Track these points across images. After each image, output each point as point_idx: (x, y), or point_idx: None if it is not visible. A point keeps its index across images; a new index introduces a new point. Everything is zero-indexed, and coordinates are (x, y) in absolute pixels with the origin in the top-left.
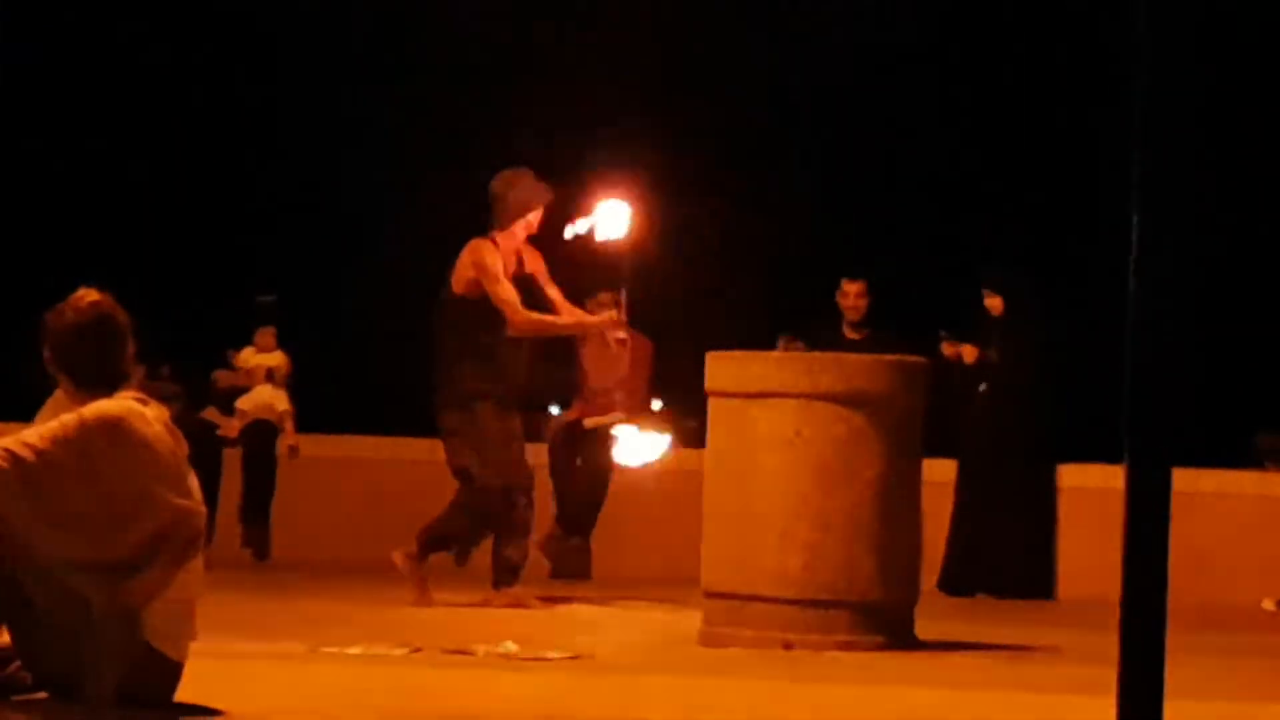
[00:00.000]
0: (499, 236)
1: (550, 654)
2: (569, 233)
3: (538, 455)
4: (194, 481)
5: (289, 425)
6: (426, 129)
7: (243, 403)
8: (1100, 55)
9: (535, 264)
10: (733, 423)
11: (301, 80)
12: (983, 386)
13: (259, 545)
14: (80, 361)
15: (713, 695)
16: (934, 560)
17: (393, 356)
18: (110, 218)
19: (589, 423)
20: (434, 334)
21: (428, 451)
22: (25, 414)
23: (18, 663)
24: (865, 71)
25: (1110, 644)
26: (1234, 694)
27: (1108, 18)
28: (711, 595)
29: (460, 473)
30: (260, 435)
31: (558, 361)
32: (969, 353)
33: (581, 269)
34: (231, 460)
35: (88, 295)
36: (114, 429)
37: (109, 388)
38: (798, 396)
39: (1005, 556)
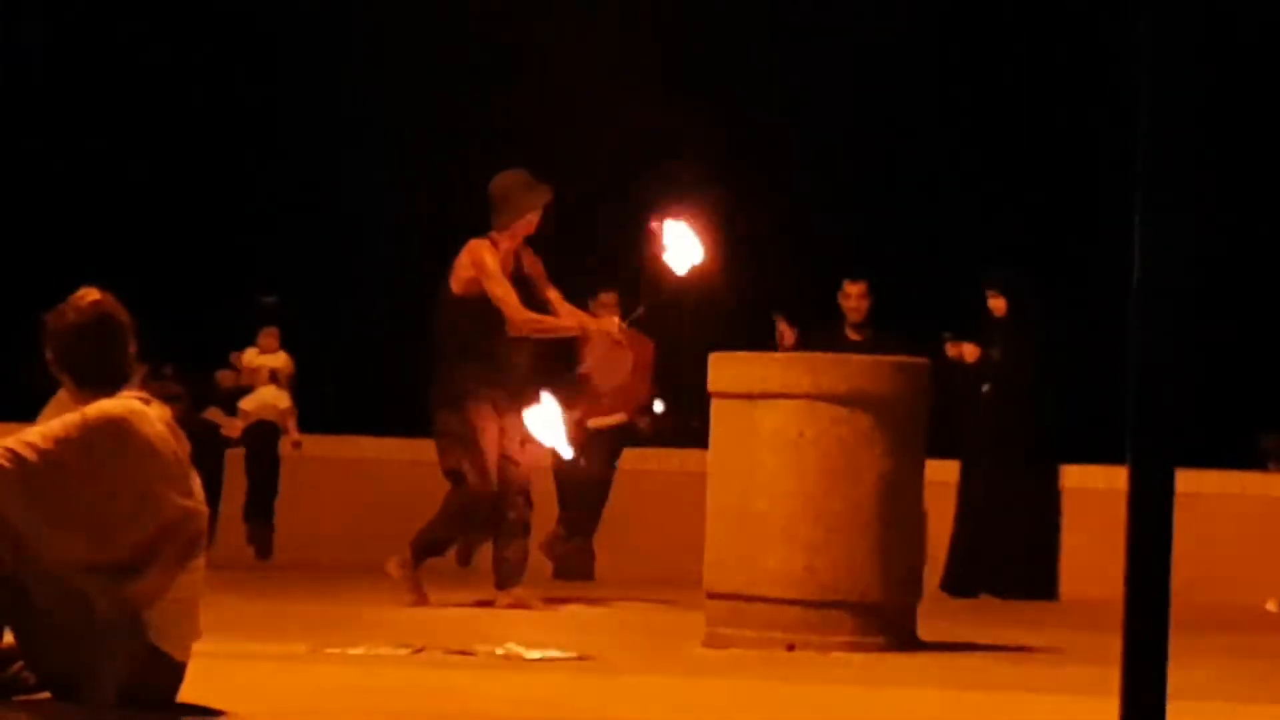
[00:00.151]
0: (498, 237)
1: (553, 654)
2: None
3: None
4: (196, 481)
5: (291, 423)
6: (427, 129)
7: (246, 403)
8: (1101, 55)
9: (533, 265)
10: (735, 423)
11: (302, 80)
12: (985, 387)
13: (261, 545)
14: (82, 361)
15: (715, 696)
16: (937, 561)
17: (395, 357)
18: (112, 218)
19: (592, 424)
20: (432, 334)
21: (430, 452)
22: (28, 414)
23: (20, 663)
24: (866, 71)
25: (1113, 645)
26: (1237, 695)
27: (1109, 17)
28: (714, 596)
29: (451, 474)
30: (263, 435)
31: (563, 362)
32: (970, 352)
33: (580, 269)
34: (234, 461)
35: (89, 295)
36: (116, 429)
37: (111, 387)
38: (800, 397)
39: (1008, 557)
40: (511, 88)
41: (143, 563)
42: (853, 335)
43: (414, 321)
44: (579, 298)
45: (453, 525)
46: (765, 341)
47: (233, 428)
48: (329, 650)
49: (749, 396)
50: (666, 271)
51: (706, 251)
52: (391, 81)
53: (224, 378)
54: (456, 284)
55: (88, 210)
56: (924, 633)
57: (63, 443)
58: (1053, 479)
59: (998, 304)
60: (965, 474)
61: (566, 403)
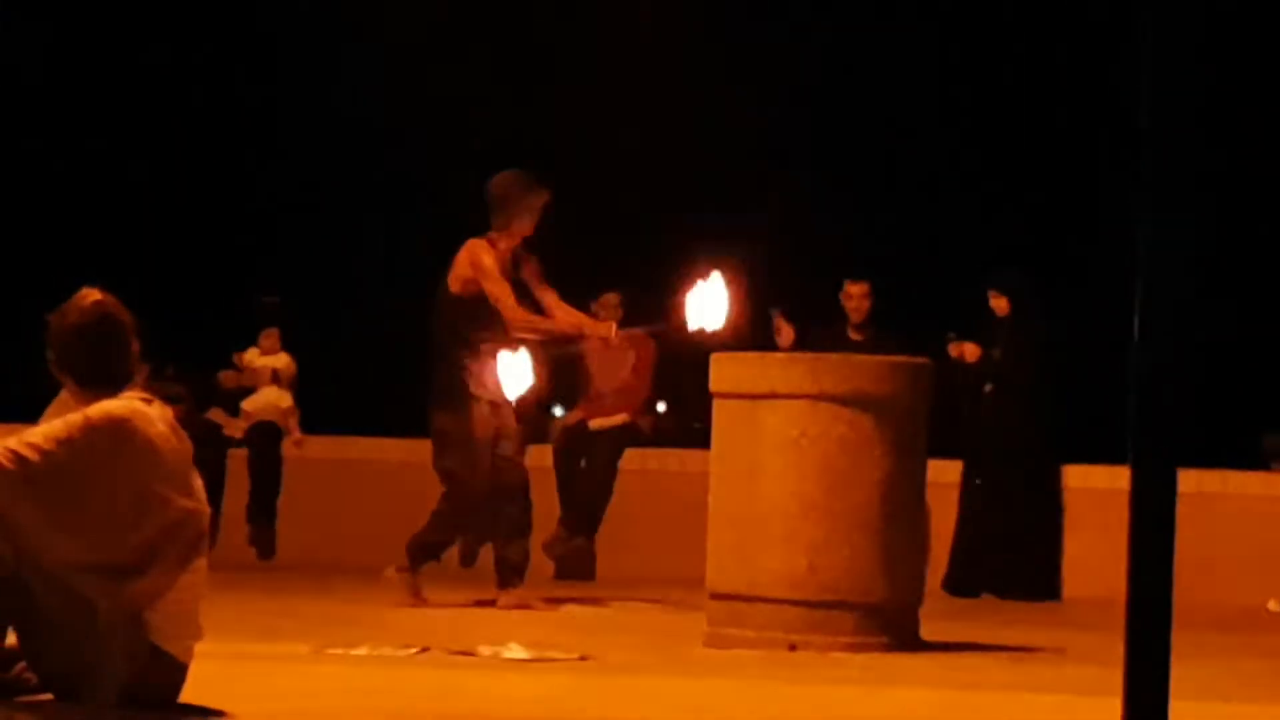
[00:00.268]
0: (496, 237)
1: (555, 655)
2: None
3: (542, 457)
4: (198, 482)
5: (293, 423)
6: (429, 129)
7: (248, 404)
8: (1102, 55)
9: (531, 265)
10: (738, 424)
11: (303, 81)
12: (987, 387)
13: (264, 546)
14: (83, 362)
15: (717, 696)
16: (939, 561)
17: (397, 358)
18: (114, 218)
19: (594, 424)
20: (430, 333)
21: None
22: (31, 414)
23: (23, 664)
24: (868, 71)
25: (1115, 645)
26: (1240, 695)
27: (1109, 18)
28: (716, 596)
29: (444, 474)
30: (265, 436)
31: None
32: (971, 351)
33: (577, 270)
34: (237, 461)
35: (90, 295)
36: (118, 429)
37: (113, 388)
38: (803, 398)
39: (1010, 557)
40: (513, 88)
41: (144, 563)
42: (854, 335)
43: (415, 322)
44: (581, 298)
45: (446, 528)
46: (765, 340)
47: (235, 428)
48: (331, 651)
49: (751, 397)
50: (698, 329)
51: (735, 309)
52: (394, 83)
53: (226, 378)
54: (454, 283)
55: (90, 211)
56: (926, 633)
57: (65, 443)
58: (1055, 479)
59: (999, 304)
60: (967, 474)
61: (569, 404)
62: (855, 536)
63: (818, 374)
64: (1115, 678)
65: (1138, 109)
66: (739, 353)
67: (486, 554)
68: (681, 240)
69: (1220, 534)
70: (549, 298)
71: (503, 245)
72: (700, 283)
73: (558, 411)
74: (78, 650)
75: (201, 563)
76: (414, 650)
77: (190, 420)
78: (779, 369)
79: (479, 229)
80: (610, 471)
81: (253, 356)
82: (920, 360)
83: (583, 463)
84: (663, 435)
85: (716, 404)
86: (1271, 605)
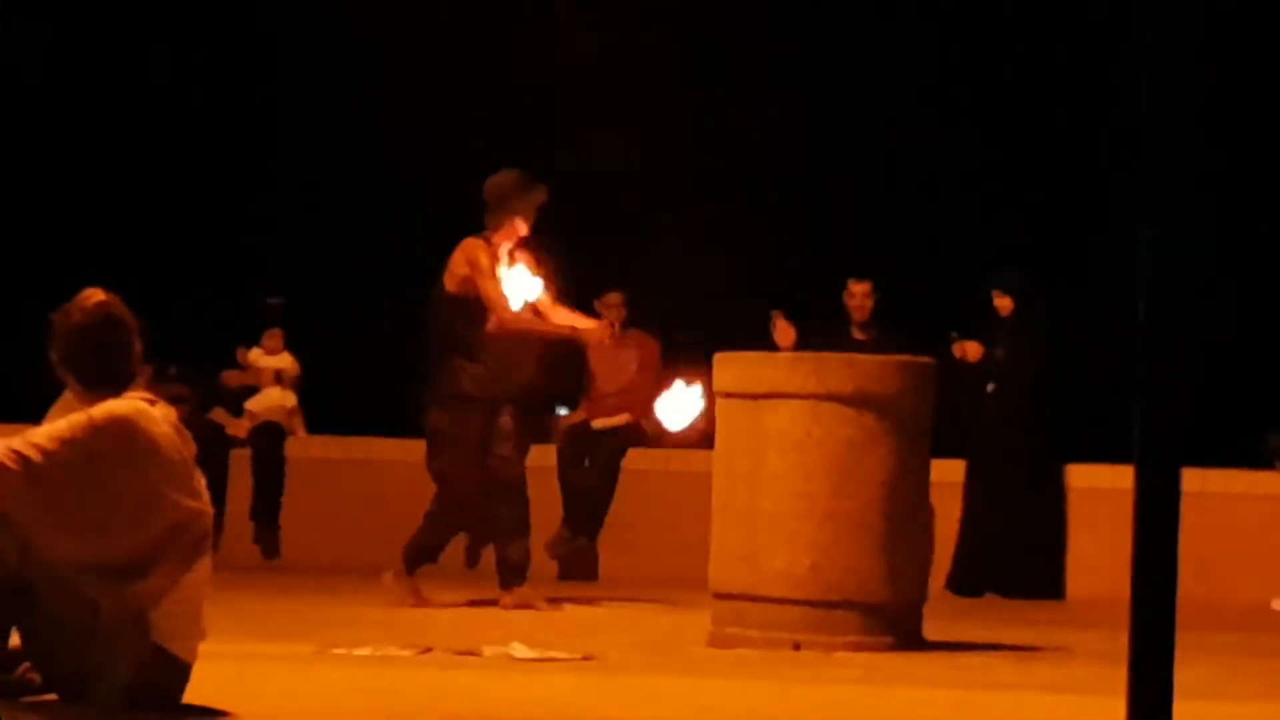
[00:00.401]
0: (492, 236)
1: (558, 655)
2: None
3: (545, 456)
4: (201, 482)
5: (297, 422)
6: (431, 129)
7: (251, 404)
8: (1103, 55)
9: (527, 265)
10: (741, 423)
11: (306, 82)
12: (991, 386)
13: (268, 546)
14: (87, 362)
15: (721, 696)
16: (943, 560)
17: (400, 358)
18: (117, 218)
19: (597, 424)
20: (427, 332)
21: None
22: (35, 414)
23: (26, 664)
24: (872, 72)
25: (1120, 644)
26: (1244, 694)
27: (1111, 17)
28: (720, 596)
29: (437, 475)
30: (269, 436)
31: (565, 363)
32: (973, 351)
33: (574, 271)
34: (240, 462)
35: (94, 295)
36: (122, 430)
37: (116, 388)
38: (806, 397)
39: (1014, 557)
40: (513, 88)
41: (148, 563)
42: (858, 335)
43: (418, 322)
44: (585, 298)
45: (439, 529)
46: (766, 340)
47: (238, 428)
48: (335, 651)
49: (754, 396)
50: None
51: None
52: (393, 82)
53: (229, 377)
54: (451, 282)
55: (93, 211)
56: (929, 632)
57: (68, 443)
58: (1058, 478)
59: (1003, 303)
60: (971, 473)
61: (571, 403)
62: (859, 536)
63: (821, 374)
64: (1119, 677)
65: (1138, 109)
66: (743, 352)
67: (490, 554)
68: (682, 240)
69: (1224, 533)
70: (544, 298)
71: (499, 244)
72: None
73: (561, 411)
74: (81, 650)
75: (205, 563)
76: (417, 650)
77: (193, 421)
78: (782, 369)
79: (480, 228)
80: (613, 471)
81: (257, 356)
82: (924, 360)
83: (586, 463)
84: (665, 435)
85: (720, 404)
86: (1275, 604)
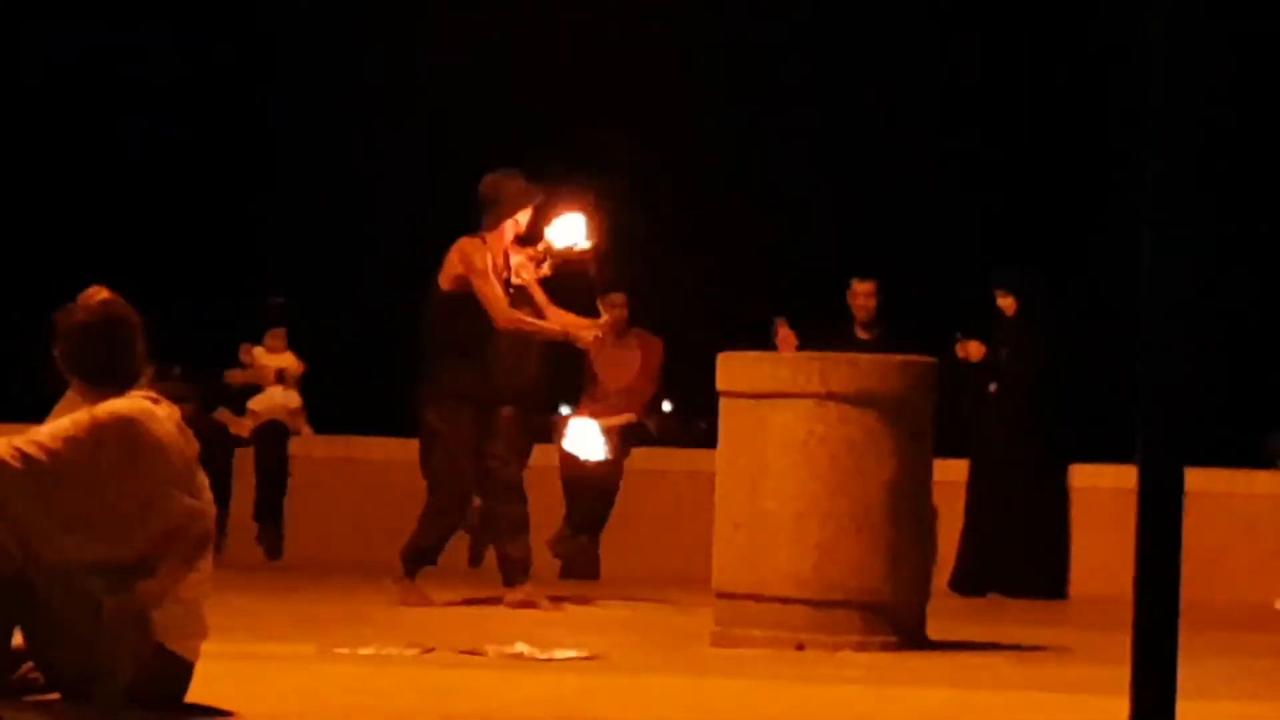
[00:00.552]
0: (488, 236)
1: (562, 654)
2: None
3: (548, 456)
4: (204, 482)
5: (301, 422)
6: (435, 130)
7: (254, 403)
8: (1110, 55)
9: (521, 264)
10: (744, 423)
11: (311, 84)
12: (993, 386)
13: (271, 546)
14: (90, 360)
15: (724, 696)
16: (946, 560)
17: (403, 358)
18: (121, 218)
19: (600, 424)
20: (422, 330)
21: None
22: (38, 413)
23: (29, 664)
24: (876, 71)
25: (1123, 644)
26: (1246, 693)
27: (1116, 16)
28: (723, 595)
29: (429, 475)
30: (272, 436)
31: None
32: (976, 350)
33: (569, 271)
34: (244, 461)
35: (98, 294)
36: (126, 429)
37: (120, 387)
38: (809, 397)
39: (1017, 556)
40: (519, 89)
41: (151, 562)
42: (861, 334)
43: (418, 322)
44: (588, 297)
45: (435, 530)
46: (769, 341)
47: (241, 427)
48: (338, 650)
49: (758, 396)
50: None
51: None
52: (400, 85)
53: (232, 376)
54: (446, 281)
55: (96, 210)
56: (933, 632)
57: (72, 442)
58: (1062, 478)
59: (1006, 303)
60: (974, 473)
61: (575, 403)
62: (862, 536)
63: (824, 373)
64: (1122, 676)
65: (1142, 109)
66: (746, 352)
67: (492, 554)
68: (684, 240)
69: (1227, 533)
70: (539, 298)
71: (494, 245)
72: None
73: (564, 411)
74: (84, 650)
75: (207, 562)
76: (421, 650)
77: (197, 420)
78: (786, 368)
79: (477, 228)
80: (616, 471)
81: (260, 355)
82: (927, 360)
83: (589, 463)
84: (669, 434)
85: (723, 403)
86: (1277, 604)
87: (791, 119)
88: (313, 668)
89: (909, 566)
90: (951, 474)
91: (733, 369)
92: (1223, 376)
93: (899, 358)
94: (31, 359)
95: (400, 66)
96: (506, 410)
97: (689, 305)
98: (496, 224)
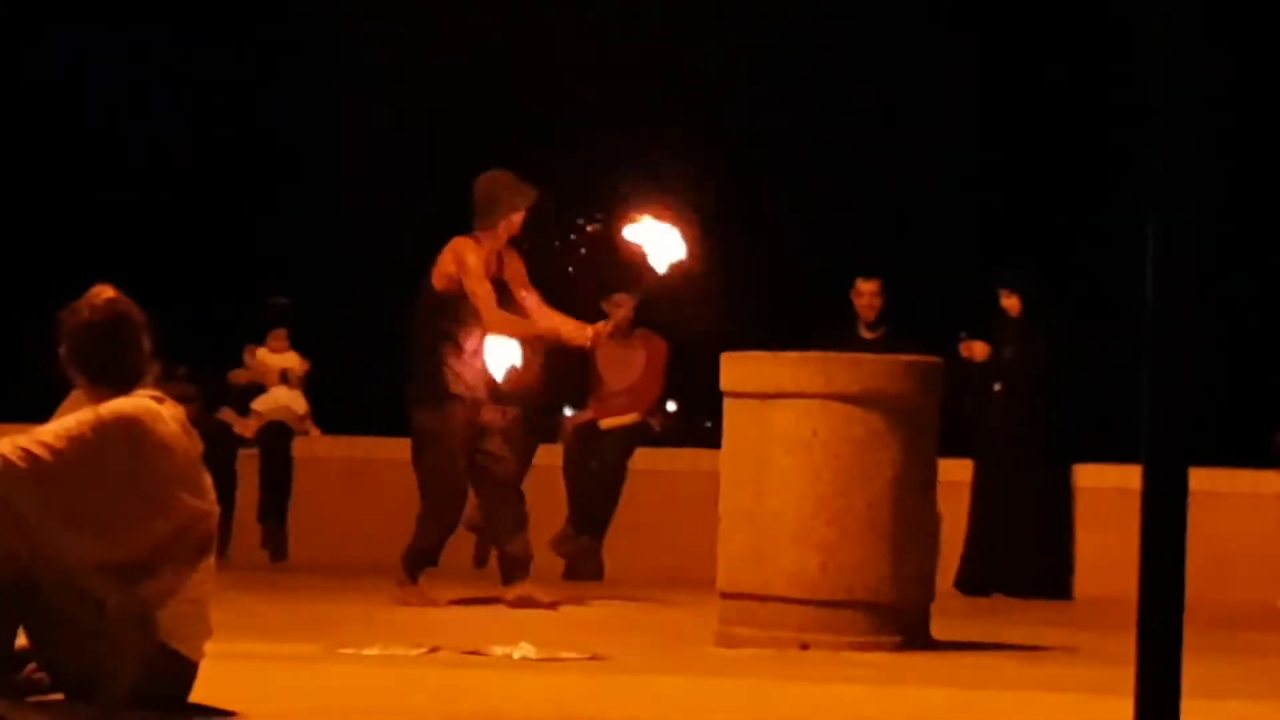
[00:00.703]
0: (481, 236)
1: (566, 655)
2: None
3: (552, 456)
4: (208, 482)
5: (308, 425)
6: (439, 130)
7: (258, 404)
8: (1112, 53)
9: (515, 266)
10: (748, 423)
11: (312, 82)
12: (998, 386)
13: (276, 546)
14: (96, 359)
15: (728, 696)
16: (950, 560)
17: (406, 357)
18: (124, 217)
19: (604, 424)
20: (412, 329)
21: None
22: (43, 413)
23: (34, 664)
24: (880, 71)
25: (1127, 644)
26: (1251, 694)
27: (1120, 12)
28: (727, 595)
29: (422, 476)
30: (276, 436)
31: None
32: (980, 350)
33: (564, 272)
34: (248, 461)
35: (104, 293)
36: (130, 429)
37: (125, 386)
38: (813, 397)
39: (1022, 556)
40: (517, 92)
41: (155, 562)
42: (865, 334)
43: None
44: (591, 298)
45: (431, 532)
46: (772, 340)
47: (246, 428)
48: (342, 650)
49: (761, 396)
50: (648, 270)
51: (686, 247)
52: (404, 86)
53: (237, 376)
54: (438, 280)
55: (101, 210)
56: (937, 632)
57: (76, 441)
58: (1066, 478)
59: (1010, 303)
60: (978, 473)
61: (578, 403)
62: (867, 536)
63: (828, 373)
64: (1127, 676)
65: (1147, 107)
66: (749, 352)
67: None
68: (686, 240)
69: (1232, 532)
70: (530, 300)
71: (487, 245)
72: (639, 227)
73: (568, 411)
74: (88, 650)
75: (210, 562)
76: (425, 650)
77: (201, 420)
78: (788, 368)
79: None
80: (620, 471)
81: (264, 355)
82: (932, 359)
83: (593, 463)
84: (673, 434)
85: (727, 403)
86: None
87: (795, 118)
88: (317, 668)
89: (913, 566)
90: (955, 474)
91: (736, 369)
92: (1227, 376)
93: (903, 358)
94: (36, 358)
95: (401, 67)
96: (510, 409)
97: (693, 305)
98: (490, 224)
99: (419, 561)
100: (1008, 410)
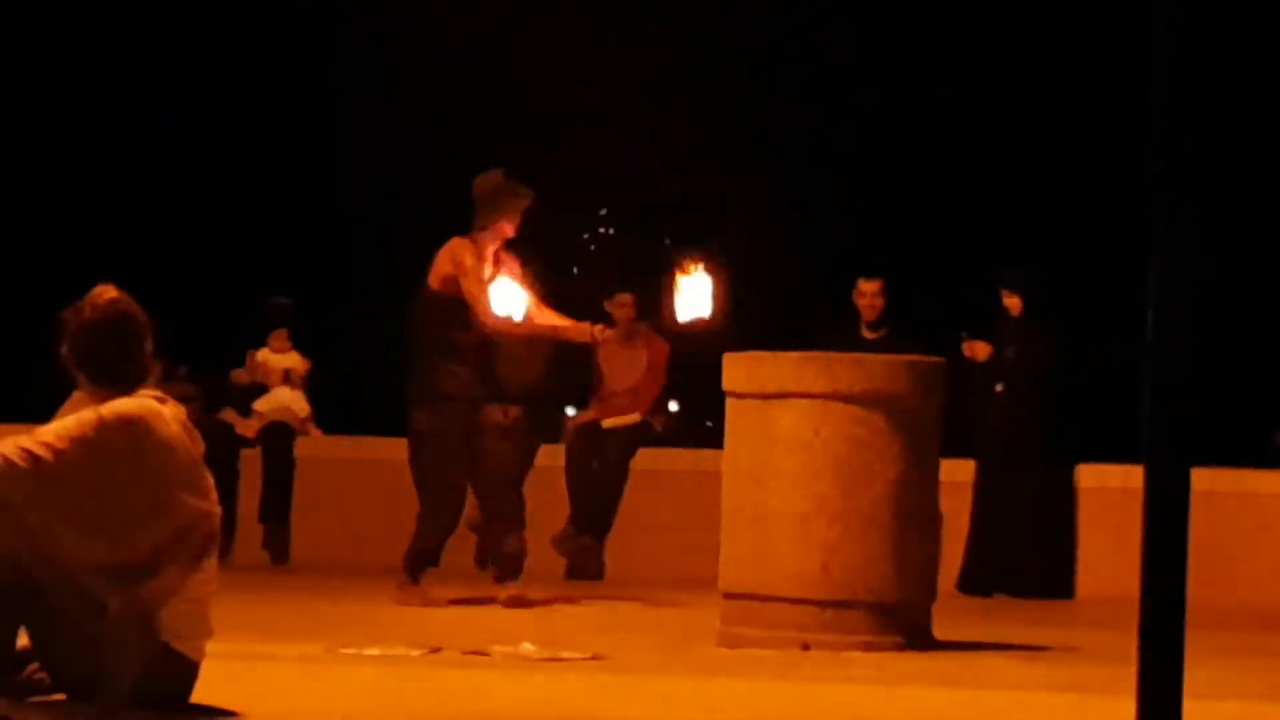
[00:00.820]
0: (479, 236)
1: (567, 655)
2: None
3: (554, 456)
4: (210, 482)
5: (310, 427)
6: (439, 130)
7: (260, 404)
8: (1114, 55)
9: (511, 266)
10: (750, 423)
11: (315, 82)
12: (1000, 386)
13: (278, 547)
14: (98, 359)
15: (730, 696)
16: (952, 560)
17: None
18: (128, 218)
19: (607, 424)
20: (409, 329)
21: None
22: (45, 413)
23: (35, 664)
24: (880, 71)
25: (1129, 644)
26: (1253, 693)
27: (1122, 10)
28: (729, 595)
29: (419, 476)
30: (278, 437)
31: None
32: (981, 350)
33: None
34: (250, 462)
35: (106, 292)
36: (132, 429)
37: (127, 386)
38: (815, 397)
39: (1024, 556)
40: (519, 93)
41: (156, 563)
42: (867, 334)
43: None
44: (594, 298)
45: (430, 533)
46: (774, 340)
47: (247, 428)
48: (344, 651)
49: (764, 396)
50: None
51: (714, 306)
52: (407, 85)
53: (239, 376)
54: (435, 280)
55: (103, 210)
56: (939, 632)
57: (78, 442)
58: (1068, 478)
59: (1012, 303)
60: (980, 473)
61: (581, 403)
62: (869, 536)
63: (830, 373)
64: (1128, 676)
65: (1147, 107)
66: (751, 352)
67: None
68: (688, 239)
69: (1234, 533)
70: (530, 299)
71: (485, 245)
72: (681, 276)
73: (570, 411)
74: (90, 650)
75: (212, 562)
76: (427, 650)
77: (202, 420)
78: (792, 368)
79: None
80: (622, 471)
81: (265, 356)
82: (934, 359)
83: (595, 464)
84: (675, 434)
85: (729, 403)
86: None
87: (795, 118)
88: (319, 668)
89: (915, 567)
90: (958, 474)
91: (738, 369)
92: (1229, 375)
93: (905, 357)
94: (37, 358)
95: (401, 67)
96: (512, 408)
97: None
98: (487, 225)
99: (420, 562)
100: (1009, 410)
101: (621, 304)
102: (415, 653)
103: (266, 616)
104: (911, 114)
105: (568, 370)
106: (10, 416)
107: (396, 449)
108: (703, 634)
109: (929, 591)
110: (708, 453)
